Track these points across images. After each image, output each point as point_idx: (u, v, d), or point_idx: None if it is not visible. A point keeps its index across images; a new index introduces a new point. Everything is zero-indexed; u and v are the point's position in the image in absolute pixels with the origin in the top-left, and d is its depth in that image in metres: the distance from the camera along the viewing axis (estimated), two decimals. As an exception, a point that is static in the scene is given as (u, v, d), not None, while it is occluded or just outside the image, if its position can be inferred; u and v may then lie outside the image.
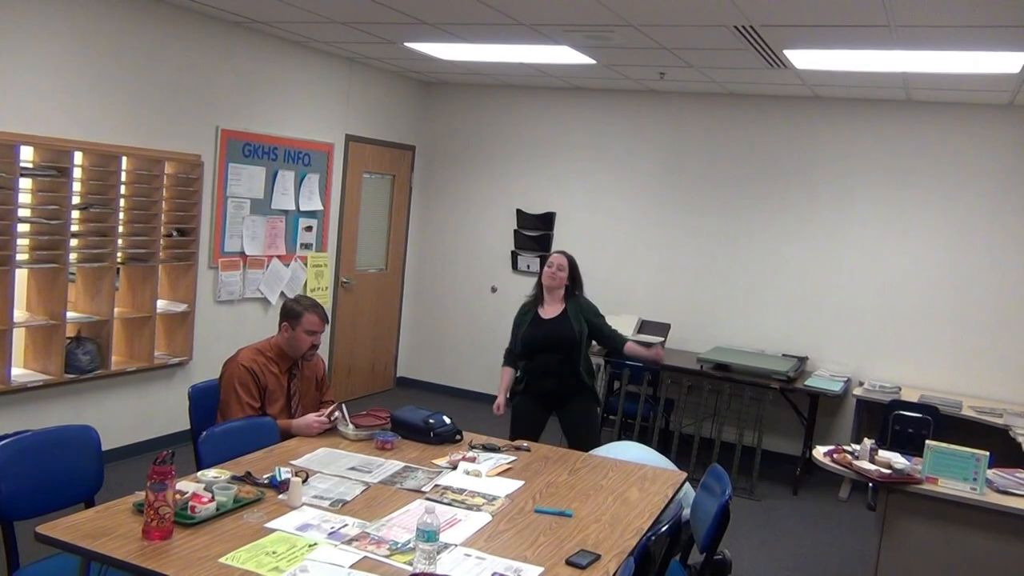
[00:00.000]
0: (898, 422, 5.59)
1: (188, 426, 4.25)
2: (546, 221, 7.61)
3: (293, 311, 3.87)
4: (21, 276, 4.80)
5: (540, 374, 4.64)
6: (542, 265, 4.76)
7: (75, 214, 4.95)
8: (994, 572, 3.72)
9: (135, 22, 5.19)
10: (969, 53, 4.68)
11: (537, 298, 4.72)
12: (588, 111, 7.43)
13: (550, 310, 4.65)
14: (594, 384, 4.78)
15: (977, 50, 4.61)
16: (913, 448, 4.47)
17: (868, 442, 4.06)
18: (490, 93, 7.81)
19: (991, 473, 3.84)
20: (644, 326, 6.82)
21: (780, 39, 4.77)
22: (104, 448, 3.28)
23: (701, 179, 7.06)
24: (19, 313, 4.79)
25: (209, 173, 5.81)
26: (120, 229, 5.22)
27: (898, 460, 3.93)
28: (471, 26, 5.23)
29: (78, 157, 4.93)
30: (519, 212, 7.70)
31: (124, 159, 5.21)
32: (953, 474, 3.73)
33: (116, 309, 5.27)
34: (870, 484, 4.76)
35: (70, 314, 5.00)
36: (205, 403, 3.86)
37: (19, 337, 4.87)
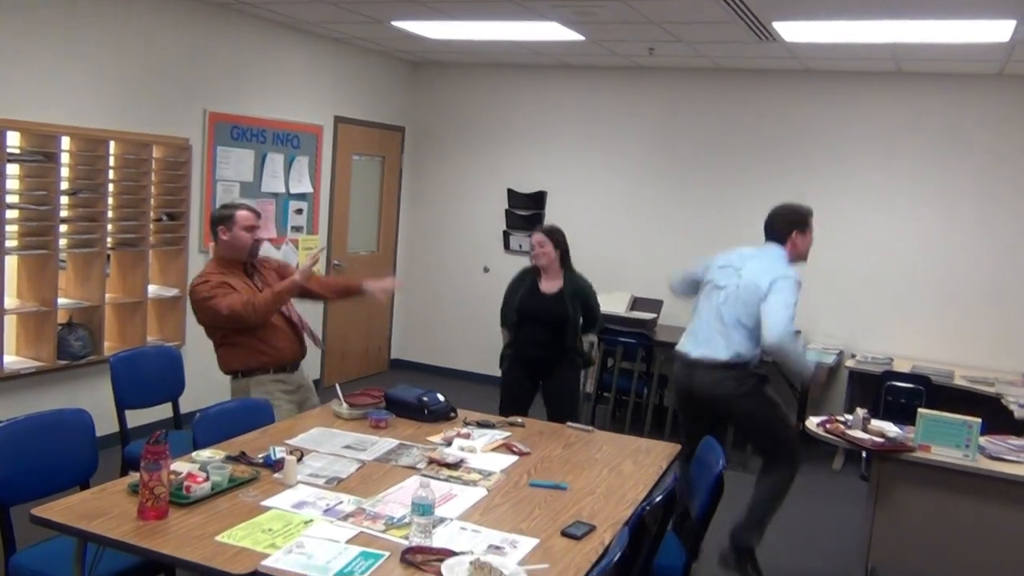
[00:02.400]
0: (890, 393, 5.62)
1: (183, 410, 4.28)
2: (537, 200, 7.59)
3: (224, 215, 3.83)
4: (11, 263, 4.78)
5: (528, 342, 4.74)
6: (532, 245, 4.80)
7: (64, 200, 4.93)
8: (986, 537, 3.75)
9: (121, 5, 5.15)
10: (958, 21, 4.67)
11: (536, 269, 4.77)
12: (578, 89, 7.40)
13: (549, 285, 4.71)
14: (580, 357, 4.84)
15: (966, 18, 4.60)
16: (905, 418, 4.48)
17: (861, 412, 4.08)
18: (479, 72, 7.77)
19: (983, 440, 3.86)
20: (637, 303, 6.82)
21: (768, 10, 4.75)
22: (99, 434, 3.27)
23: (692, 155, 7.05)
24: (10, 300, 4.78)
25: (197, 157, 5.78)
26: (109, 214, 5.19)
27: (891, 429, 3.95)
28: (458, 2, 5.19)
29: (65, 142, 4.90)
30: (510, 191, 7.68)
31: (112, 143, 5.18)
32: (946, 441, 3.75)
33: (107, 295, 5.25)
34: (863, 454, 4.78)
35: (61, 300, 4.98)
36: (127, 374, 4.00)
37: (10, 324, 4.85)
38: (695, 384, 4.20)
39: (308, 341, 4.04)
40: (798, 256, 4.21)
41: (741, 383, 4.12)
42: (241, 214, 3.82)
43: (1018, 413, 4.89)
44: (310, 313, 4.02)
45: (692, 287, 4.45)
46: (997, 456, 3.79)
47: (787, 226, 4.21)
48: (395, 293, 7.88)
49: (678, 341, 4.35)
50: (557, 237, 4.71)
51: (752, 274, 4.10)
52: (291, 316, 3.98)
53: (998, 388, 5.48)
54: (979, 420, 3.74)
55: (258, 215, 3.93)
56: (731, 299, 4.12)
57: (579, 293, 4.72)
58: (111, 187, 5.20)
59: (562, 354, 4.73)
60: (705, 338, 4.16)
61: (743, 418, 4.27)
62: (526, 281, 4.77)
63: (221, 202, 5.98)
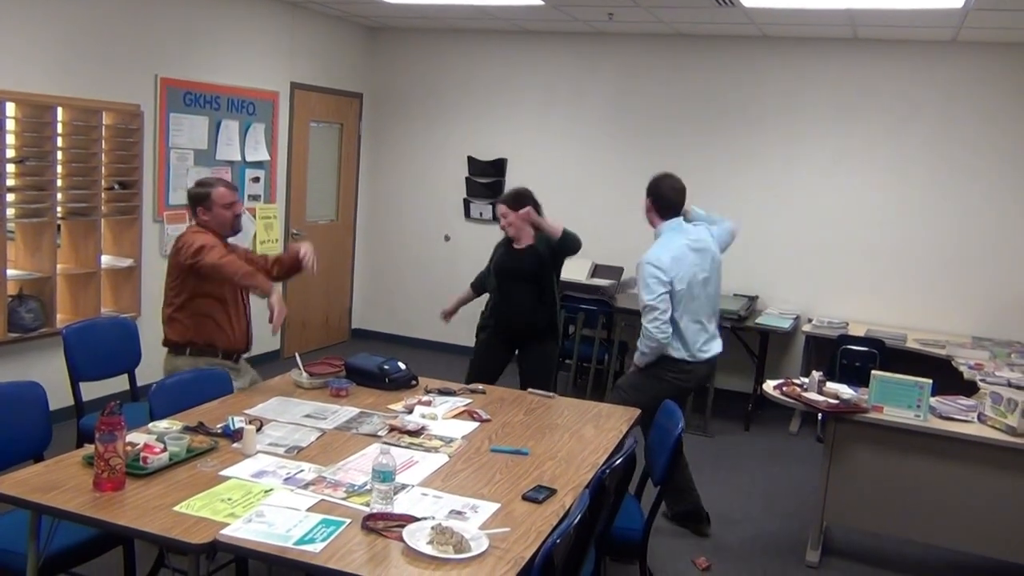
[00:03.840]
0: (845, 356, 5.72)
1: (140, 382, 4.22)
2: (498, 167, 7.55)
3: (200, 195, 3.78)
4: (-44, 233, 4.65)
5: (509, 305, 4.66)
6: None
7: (10, 168, 4.79)
8: (937, 494, 3.86)
9: (63, -35, 4.98)
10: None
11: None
12: (538, 55, 7.35)
13: (521, 243, 4.66)
14: (558, 329, 4.81)
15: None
16: (860, 381, 4.58)
17: (816, 374, 4.16)
18: (438, 38, 7.67)
19: (934, 401, 3.96)
20: (597, 270, 6.85)
21: (727, -24, 4.75)
22: (53, 407, 3.21)
23: (651, 121, 7.05)
24: (-44, 271, 4.65)
25: (149, 123, 5.65)
26: (59, 183, 5.06)
27: (845, 391, 4.03)
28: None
29: (10, 108, 4.75)
30: (470, 159, 7.63)
31: (59, 110, 5.03)
32: (898, 402, 3.84)
33: (59, 265, 5.14)
34: (819, 416, 4.89)
35: (10, 272, 4.87)
36: (81, 345, 3.94)
37: (-42, 296, 4.73)
38: (706, 375, 4.37)
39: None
40: None
41: None
42: (218, 191, 3.76)
43: (967, 374, 5.01)
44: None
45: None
46: (948, 416, 3.89)
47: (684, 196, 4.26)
48: (353, 265, 7.81)
49: (638, 307, 4.23)
50: (522, 202, 4.61)
51: (713, 243, 4.25)
52: (246, 310, 3.93)
53: (949, 350, 5.61)
54: (930, 381, 3.83)
55: (235, 189, 3.88)
56: (717, 275, 4.25)
57: (549, 239, 4.59)
58: (60, 155, 5.05)
59: (543, 322, 4.64)
60: (716, 332, 4.30)
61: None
62: (503, 246, 4.75)
63: (175, 170, 5.88)
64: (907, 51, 6.31)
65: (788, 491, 5.06)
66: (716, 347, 4.27)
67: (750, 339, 6.43)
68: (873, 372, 3.97)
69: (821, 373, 4.21)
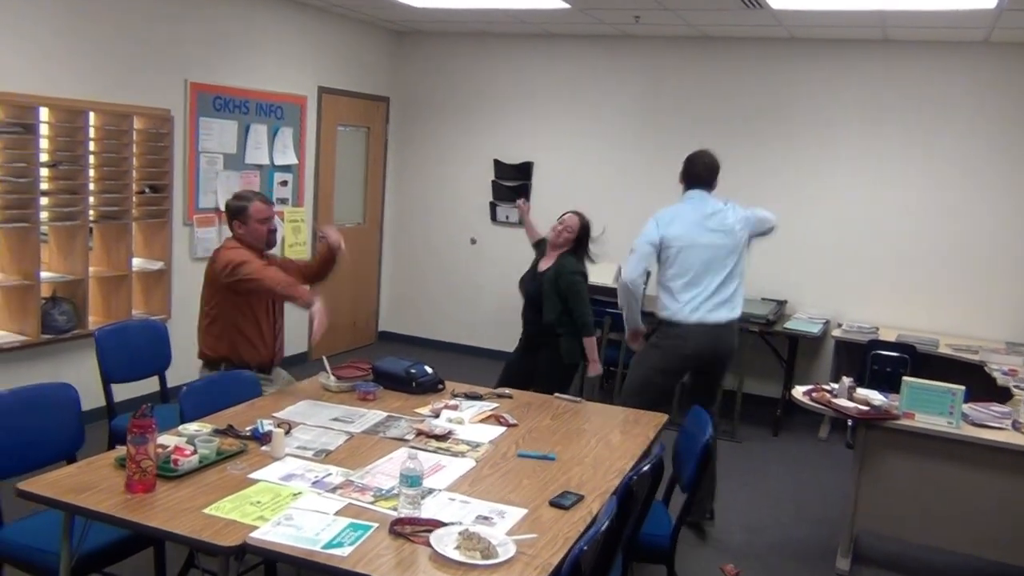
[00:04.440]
0: (876, 361, 5.66)
1: (170, 384, 4.26)
2: (524, 171, 7.55)
3: (238, 207, 3.81)
4: (-9, 236, 4.73)
5: (523, 320, 4.74)
6: (520, 216, 4.76)
7: (44, 172, 4.86)
8: (969, 503, 3.80)
9: (96, -28, 5.05)
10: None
11: (544, 244, 4.75)
12: (564, 58, 7.34)
13: (545, 263, 4.64)
14: (564, 344, 4.55)
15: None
16: (891, 387, 4.52)
17: (846, 380, 4.11)
18: (464, 42, 7.69)
19: (967, 407, 3.90)
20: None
21: (756, -22, 4.72)
22: (85, 408, 3.25)
23: (678, 125, 7.01)
24: (-9, 274, 4.73)
25: (180, 128, 5.71)
26: (91, 187, 5.13)
27: (876, 397, 3.98)
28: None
29: (44, 113, 4.82)
30: (496, 162, 7.64)
31: (91, 114, 5.10)
32: (930, 409, 3.78)
33: (91, 268, 5.20)
34: (849, 422, 4.83)
35: (44, 274, 4.94)
36: (112, 347, 4.00)
37: (-7, 298, 4.81)
38: (720, 346, 4.23)
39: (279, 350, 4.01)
40: None
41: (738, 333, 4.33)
42: (256, 206, 3.80)
43: (1001, 380, 4.93)
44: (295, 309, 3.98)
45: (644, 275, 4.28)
46: (980, 423, 3.83)
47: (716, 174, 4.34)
48: (380, 268, 7.85)
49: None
50: (585, 233, 4.59)
51: (738, 224, 4.24)
52: (277, 323, 3.96)
53: (982, 356, 5.53)
54: (963, 388, 3.78)
55: (271, 204, 3.92)
56: (735, 254, 4.20)
57: (555, 277, 4.49)
58: (92, 159, 5.12)
59: (542, 338, 4.55)
60: (728, 299, 4.19)
61: (726, 366, 4.41)
62: (534, 261, 4.77)
63: (204, 174, 5.94)
64: (938, 52, 6.23)
65: (817, 498, 5.01)
66: (719, 315, 4.14)
67: (779, 344, 6.38)
68: (904, 378, 3.91)
69: (851, 379, 4.16)
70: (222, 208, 6.06)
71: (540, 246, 4.86)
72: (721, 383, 4.54)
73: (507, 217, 7.60)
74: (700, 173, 4.31)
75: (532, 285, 4.63)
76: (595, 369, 4.56)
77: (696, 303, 4.13)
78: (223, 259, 3.70)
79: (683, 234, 4.16)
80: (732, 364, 4.50)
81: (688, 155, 4.38)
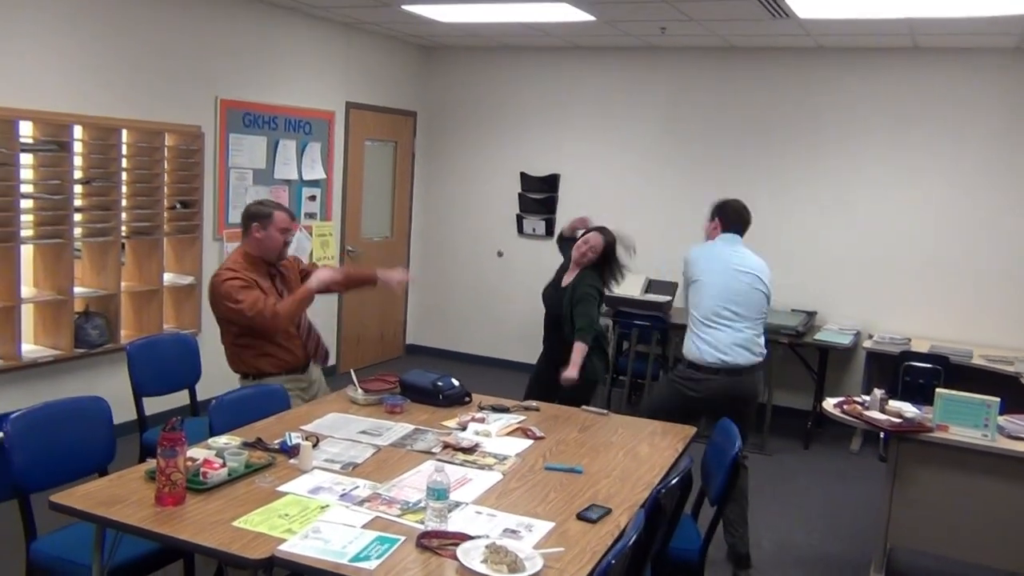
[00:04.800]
0: (908, 373, 5.58)
1: (200, 397, 4.31)
2: (550, 183, 7.56)
3: (261, 212, 3.80)
4: (27, 252, 4.81)
5: (545, 331, 4.73)
6: (547, 228, 4.75)
7: (77, 189, 4.94)
8: (1005, 517, 3.72)
9: (129, -7, 5.15)
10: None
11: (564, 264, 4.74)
12: (589, 70, 7.35)
13: (568, 278, 4.62)
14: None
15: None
16: (924, 399, 4.46)
17: (878, 392, 4.05)
18: (490, 56, 7.73)
19: (1002, 419, 3.83)
20: (651, 285, 6.80)
21: (782, -12, 4.70)
22: (116, 421, 3.29)
23: (705, 135, 6.99)
24: (26, 289, 4.81)
25: (210, 144, 5.79)
26: (123, 203, 5.21)
27: (909, 409, 3.92)
28: (468, -15, 5.16)
29: (78, 131, 4.91)
30: (523, 175, 7.65)
31: (124, 132, 5.19)
32: (964, 421, 3.72)
33: (123, 283, 5.28)
34: (881, 435, 4.77)
35: (77, 289, 5.01)
36: (144, 361, 4.05)
37: (28, 313, 4.89)
38: (741, 388, 4.08)
39: (312, 350, 4.00)
40: None
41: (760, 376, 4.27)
42: (280, 215, 3.80)
43: (1038, 392, 4.85)
44: (325, 304, 3.99)
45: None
46: (1016, 436, 3.76)
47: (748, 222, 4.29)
48: (407, 283, 7.86)
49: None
50: (609, 252, 4.53)
51: (756, 270, 4.16)
52: (301, 322, 3.94)
53: (1017, 367, 5.43)
54: (998, 399, 3.71)
55: (294, 218, 3.94)
56: (754, 297, 4.11)
57: (573, 291, 4.50)
58: (124, 176, 5.21)
59: (562, 354, 4.45)
60: (747, 341, 4.07)
61: (744, 412, 4.12)
62: (557, 274, 4.75)
63: (234, 189, 6.01)
64: (969, 59, 6.16)
65: (850, 511, 4.94)
66: (738, 357, 4.05)
67: (809, 355, 6.31)
68: (938, 390, 3.85)
69: (883, 391, 4.10)
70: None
71: (565, 246, 4.82)
72: (747, 425, 4.10)
73: (533, 230, 7.61)
74: (732, 217, 4.27)
75: (554, 298, 4.63)
76: (571, 373, 4.27)
77: (714, 342, 4.05)
78: (224, 295, 3.65)
79: (707, 268, 4.15)
80: (754, 407, 4.32)
81: (719, 203, 4.34)
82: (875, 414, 3.93)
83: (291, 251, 4.01)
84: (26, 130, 4.68)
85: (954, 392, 3.81)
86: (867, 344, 6.14)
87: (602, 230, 4.59)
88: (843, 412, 4.03)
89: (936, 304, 6.38)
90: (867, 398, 4.08)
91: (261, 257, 3.82)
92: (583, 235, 4.60)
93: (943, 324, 6.34)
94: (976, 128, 6.18)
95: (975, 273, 6.26)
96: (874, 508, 4.22)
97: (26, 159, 4.67)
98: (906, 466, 3.87)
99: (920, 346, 5.95)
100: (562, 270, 4.73)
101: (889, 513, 3.93)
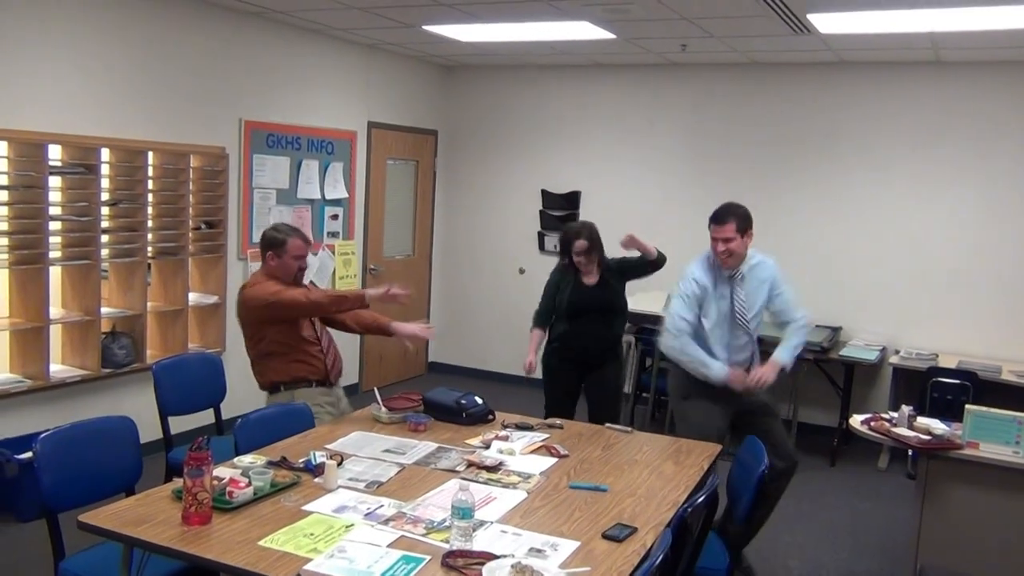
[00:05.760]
0: (936, 389, 5.51)
1: (225, 416, 4.33)
2: (571, 200, 7.57)
3: (276, 240, 3.85)
4: (55, 273, 4.86)
5: (580, 334, 4.71)
6: (564, 246, 4.77)
7: (105, 210, 5.01)
8: (1040, 536, 3.66)
9: (153, 16, 5.23)
10: (999, 8, 4.56)
11: (571, 266, 4.75)
12: (610, 88, 7.37)
13: (590, 278, 4.74)
14: (620, 350, 4.94)
15: (1007, 4, 4.49)
16: (952, 415, 4.41)
17: (906, 408, 4.00)
18: (511, 74, 7.77)
19: (1034, 436, 3.76)
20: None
21: (803, 2, 4.69)
22: (143, 440, 3.32)
23: (727, 151, 6.98)
24: (54, 310, 4.86)
25: (234, 165, 5.85)
26: (149, 224, 5.27)
27: (937, 426, 3.87)
28: (488, 4, 5.19)
29: (105, 154, 4.98)
30: (544, 192, 7.67)
31: (150, 154, 5.25)
32: (994, 438, 3.66)
33: (149, 303, 5.33)
34: (909, 452, 4.71)
35: (104, 309, 5.07)
36: (169, 381, 4.10)
37: (56, 333, 4.94)
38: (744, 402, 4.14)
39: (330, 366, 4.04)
40: None
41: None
42: (294, 243, 3.85)
43: (1070, 408, 4.76)
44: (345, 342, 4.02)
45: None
46: (1049, 453, 3.69)
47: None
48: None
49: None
50: (593, 238, 4.69)
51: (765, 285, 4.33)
52: (322, 338, 4.00)
53: (1048, 382, 5.35)
54: (1029, 416, 3.65)
55: (309, 243, 3.99)
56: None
57: (616, 269, 4.80)
58: (150, 197, 5.27)
59: (611, 347, 4.78)
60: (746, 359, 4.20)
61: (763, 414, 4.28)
62: (568, 279, 4.75)
63: (258, 209, 6.07)
64: (992, 72, 6.11)
65: (878, 530, 4.87)
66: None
67: (834, 371, 6.25)
68: (967, 406, 3.80)
69: (911, 408, 4.05)
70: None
71: (564, 273, 4.84)
72: (777, 422, 4.21)
73: (555, 247, 7.60)
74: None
75: (602, 293, 4.73)
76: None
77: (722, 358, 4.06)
78: (259, 296, 3.76)
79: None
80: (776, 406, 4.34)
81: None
82: (903, 431, 3.88)
83: (312, 274, 4.05)
84: (55, 153, 4.75)
85: (984, 408, 3.75)
86: (893, 360, 6.07)
87: (568, 234, 4.74)
88: (871, 429, 3.98)
89: (963, 319, 6.30)
90: (895, 415, 4.03)
91: (280, 280, 3.88)
92: (576, 254, 4.68)
93: (970, 339, 6.26)
94: (1002, 142, 6.12)
95: (1002, 288, 6.18)
96: (903, 526, 4.17)
97: (55, 182, 4.74)
98: (936, 484, 3.82)
99: (948, 362, 5.88)
100: (563, 270, 4.80)
101: (919, 532, 3.87)
